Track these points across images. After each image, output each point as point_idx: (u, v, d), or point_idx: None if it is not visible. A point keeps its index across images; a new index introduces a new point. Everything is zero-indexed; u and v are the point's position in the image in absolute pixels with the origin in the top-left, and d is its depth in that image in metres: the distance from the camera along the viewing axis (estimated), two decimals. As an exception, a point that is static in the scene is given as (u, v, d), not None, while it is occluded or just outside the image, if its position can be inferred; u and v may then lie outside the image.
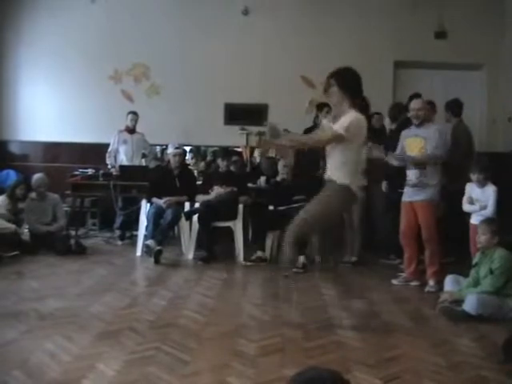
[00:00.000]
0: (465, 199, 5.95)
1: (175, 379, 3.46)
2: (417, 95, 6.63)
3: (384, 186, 7.13)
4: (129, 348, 4.01)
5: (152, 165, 8.92)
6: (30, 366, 3.63)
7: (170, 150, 7.65)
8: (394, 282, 6.24)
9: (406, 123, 6.47)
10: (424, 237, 5.99)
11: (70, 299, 5.27)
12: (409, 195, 6.08)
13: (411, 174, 6.02)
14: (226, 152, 8.25)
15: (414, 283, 6.11)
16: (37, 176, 7.89)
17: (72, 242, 7.56)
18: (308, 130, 8.12)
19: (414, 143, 6.00)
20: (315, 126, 8.05)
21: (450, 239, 6.98)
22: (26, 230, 7.50)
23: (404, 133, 6.23)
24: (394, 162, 6.25)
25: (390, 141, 6.85)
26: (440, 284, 5.82)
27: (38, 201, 7.81)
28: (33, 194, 7.79)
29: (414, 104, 6.08)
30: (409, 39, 9.59)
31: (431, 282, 5.97)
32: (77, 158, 9.62)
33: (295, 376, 1.54)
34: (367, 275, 6.64)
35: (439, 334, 4.58)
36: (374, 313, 5.14)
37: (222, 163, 7.85)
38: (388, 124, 8.22)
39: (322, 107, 7.81)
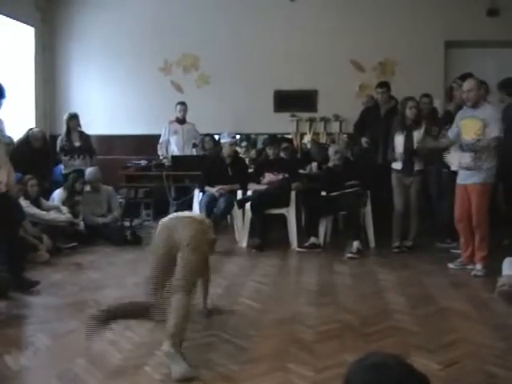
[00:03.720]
0: None
1: (235, 366, 3.49)
2: (467, 75, 6.43)
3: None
4: (187, 335, 4.05)
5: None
6: (92, 354, 3.72)
7: (225, 140, 7.65)
8: (451, 265, 6.15)
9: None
10: (474, 221, 5.85)
11: (128, 289, 5.35)
12: (463, 178, 5.94)
13: (466, 157, 5.90)
14: (273, 139, 8.19)
15: (471, 267, 6.00)
16: (90, 170, 8.03)
17: (128, 232, 7.68)
18: (366, 111, 8.13)
19: (471, 125, 5.82)
20: (376, 106, 8.04)
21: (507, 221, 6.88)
22: (82, 222, 7.64)
23: (459, 114, 6.07)
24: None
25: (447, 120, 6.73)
26: (487, 268, 5.73)
27: (93, 193, 7.95)
28: (87, 187, 7.93)
29: (464, 86, 5.94)
30: (460, 18, 9.38)
31: (479, 266, 5.83)
32: (129, 150, 9.77)
33: (357, 362, 1.52)
34: (423, 259, 6.55)
35: (499, 319, 4.50)
36: (431, 297, 5.07)
37: (269, 151, 7.82)
38: (439, 105, 8.14)
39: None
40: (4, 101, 5.30)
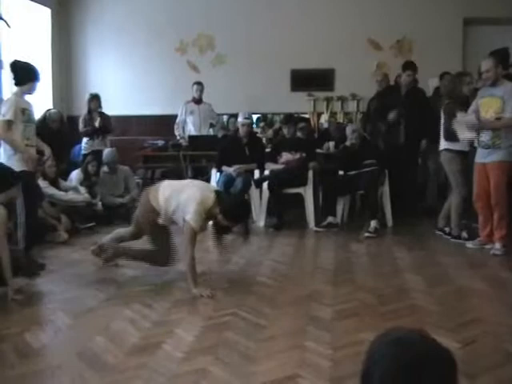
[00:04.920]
0: None
1: (253, 344, 3.50)
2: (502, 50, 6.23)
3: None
4: (205, 314, 4.08)
5: (220, 134, 8.98)
6: (112, 332, 3.74)
7: (240, 120, 7.66)
8: (469, 245, 6.12)
9: None
10: (492, 200, 5.82)
11: (145, 268, 5.36)
12: (481, 156, 5.90)
13: (484, 136, 5.84)
14: (289, 118, 8.17)
15: (489, 246, 5.97)
16: (107, 151, 8.06)
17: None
18: (383, 94, 8.04)
19: (490, 103, 5.75)
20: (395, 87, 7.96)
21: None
22: (100, 203, 7.68)
23: (480, 92, 6.01)
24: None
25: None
26: (506, 247, 5.71)
27: (110, 174, 7.98)
28: (105, 168, 7.96)
29: (482, 66, 5.86)
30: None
31: (497, 245, 5.80)
32: (146, 131, 9.78)
33: (380, 337, 1.51)
34: (441, 238, 6.54)
35: (518, 297, 4.49)
36: (448, 276, 5.06)
37: (285, 130, 7.82)
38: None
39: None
40: (38, 84, 5.34)
